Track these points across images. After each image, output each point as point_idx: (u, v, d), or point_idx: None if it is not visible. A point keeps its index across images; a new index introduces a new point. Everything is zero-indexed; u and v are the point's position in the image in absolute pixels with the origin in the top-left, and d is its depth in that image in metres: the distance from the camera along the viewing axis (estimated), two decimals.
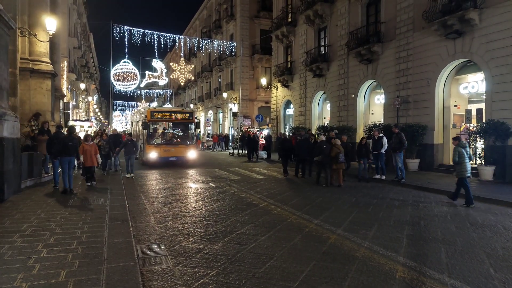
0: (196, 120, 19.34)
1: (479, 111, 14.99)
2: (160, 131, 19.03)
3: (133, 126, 25.00)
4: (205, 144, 36.43)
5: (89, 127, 31.05)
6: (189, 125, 18.98)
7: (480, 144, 13.39)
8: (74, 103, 36.13)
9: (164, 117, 18.40)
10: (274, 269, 4.66)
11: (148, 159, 17.28)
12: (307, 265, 4.82)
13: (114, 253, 4.85)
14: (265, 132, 31.48)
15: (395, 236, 6.21)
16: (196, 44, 36.45)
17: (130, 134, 18.30)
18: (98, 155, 11.03)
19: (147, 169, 16.79)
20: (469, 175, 8.94)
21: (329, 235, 6.26)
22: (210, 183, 12.59)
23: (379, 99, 20.01)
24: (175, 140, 18.52)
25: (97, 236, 5.63)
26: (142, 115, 19.47)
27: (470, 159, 9.16)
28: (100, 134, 15.84)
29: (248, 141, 23.70)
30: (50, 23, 12.98)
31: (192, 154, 18.14)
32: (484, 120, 13.27)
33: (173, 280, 4.32)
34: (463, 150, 8.98)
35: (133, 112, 39.80)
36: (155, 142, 17.93)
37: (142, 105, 53.22)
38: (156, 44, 28.26)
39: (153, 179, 13.57)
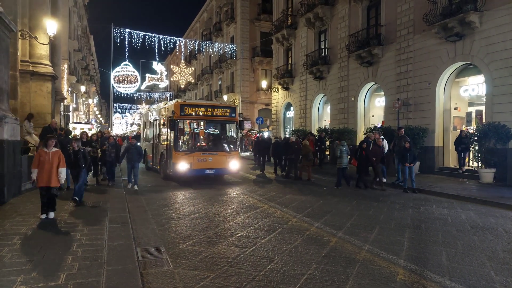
0: (239, 118, 14.64)
1: (478, 112, 15.00)
2: (187, 130, 14.61)
3: (147, 126, 19.29)
4: None
5: (89, 129, 30.97)
6: (231, 124, 14.56)
7: (476, 147, 13.25)
8: (74, 105, 36.22)
9: (198, 114, 13.48)
10: (274, 272, 4.65)
11: (177, 171, 12.71)
12: (307, 268, 4.81)
13: (114, 256, 4.84)
14: (265, 134, 31.47)
15: (396, 239, 6.20)
16: (196, 47, 36.52)
17: (134, 137, 14.47)
18: (62, 170, 6.98)
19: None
20: (345, 166, 12.14)
21: (330, 238, 6.24)
22: (210, 186, 12.58)
23: (380, 101, 20.00)
24: (213, 146, 14.06)
25: (97, 238, 5.62)
26: (166, 111, 14.64)
27: (348, 155, 12.20)
28: (101, 136, 13.94)
29: None
30: (51, 25, 13.01)
31: (234, 165, 13.63)
32: (484, 122, 13.24)
33: (173, 282, 4.31)
34: (343, 148, 12.05)
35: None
36: (185, 148, 13.54)
37: (142, 107, 53.06)
38: (156, 47, 28.38)
39: (151, 182, 13.55)
